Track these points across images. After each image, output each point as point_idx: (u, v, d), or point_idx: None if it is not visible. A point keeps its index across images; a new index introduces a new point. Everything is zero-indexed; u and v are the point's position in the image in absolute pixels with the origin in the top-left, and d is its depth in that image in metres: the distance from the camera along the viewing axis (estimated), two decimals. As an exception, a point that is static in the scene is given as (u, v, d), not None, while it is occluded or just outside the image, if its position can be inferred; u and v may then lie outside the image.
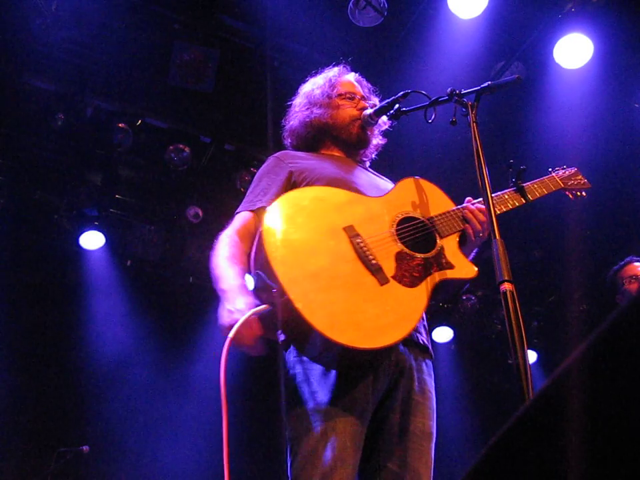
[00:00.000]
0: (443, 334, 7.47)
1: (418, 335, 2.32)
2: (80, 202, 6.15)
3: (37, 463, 5.98)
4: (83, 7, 5.01)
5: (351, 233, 2.18)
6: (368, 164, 2.84)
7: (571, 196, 2.90)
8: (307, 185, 2.42)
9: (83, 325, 6.60)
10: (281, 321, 2.10)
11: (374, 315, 2.03)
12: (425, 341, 2.35)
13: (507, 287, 1.85)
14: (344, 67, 2.88)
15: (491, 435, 0.98)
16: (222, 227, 2.41)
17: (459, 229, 2.35)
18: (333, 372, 2.13)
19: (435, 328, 7.22)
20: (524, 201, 2.58)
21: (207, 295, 6.74)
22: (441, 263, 2.23)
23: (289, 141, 2.80)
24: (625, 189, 6.27)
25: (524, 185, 2.61)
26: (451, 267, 2.23)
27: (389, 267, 2.14)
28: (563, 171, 2.92)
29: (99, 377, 6.56)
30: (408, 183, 2.49)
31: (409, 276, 2.14)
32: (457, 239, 2.35)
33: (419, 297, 2.12)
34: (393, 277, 2.12)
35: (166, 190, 6.35)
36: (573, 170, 2.95)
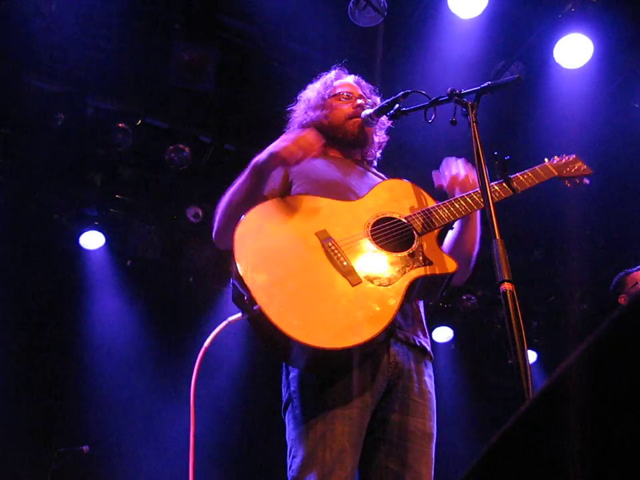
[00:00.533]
0: (443, 334, 7.46)
1: (415, 337, 2.32)
2: (80, 202, 6.16)
3: (37, 463, 5.98)
4: (83, 7, 5.01)
5: (323, 236, 2.20)
6: (375, 163, 2.83)
7: (568, 184, 2.74)
8: (300, 186, 2.46)
9: (82, 324, 6.61)
10: (258, 331, 2.10)
11: (344, 315, 2.04)
12: (423, 343, 2.35)
13: (506, 286, 1.84)
14: (340, 69, 2.90)
15: (491, 434, 0.98)
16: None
17: (438, 225, 2.34)
18: (329, 375, 2.14)
19: (435, 328, 7.21)
20: (511, 192, 2.47)
21: (207, 294, 6.79)
22: (419, 260, 2.23)
23: None
24: (625, 189, 6.27)
25: (512, 175, 2.51)
26: (429, 263, 2.23)
27: (362, 268, 2.15)
28: (559, 159, 2.76)
29: (98, 377, 6.57)
30: (387, 184, 2.52)
31: (382, 275, 2.15)
32: (437, 236, 2.34)
33: (392, 295, 2.12)
34: (366, 277, 2.13)
35: (166, 190, 6.35)
36: (571, 157, 2.78)
